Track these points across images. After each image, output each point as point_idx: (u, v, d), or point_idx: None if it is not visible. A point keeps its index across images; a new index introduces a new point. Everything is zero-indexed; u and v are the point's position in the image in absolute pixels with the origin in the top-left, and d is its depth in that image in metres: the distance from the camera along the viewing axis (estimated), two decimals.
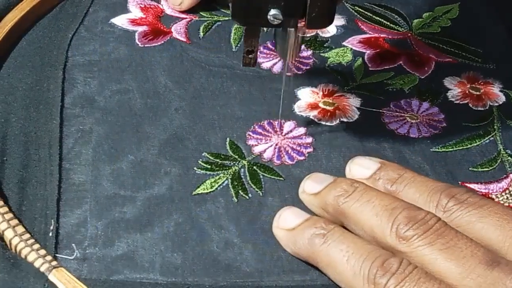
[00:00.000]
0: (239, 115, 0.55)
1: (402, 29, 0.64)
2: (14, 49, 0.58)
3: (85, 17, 0.62)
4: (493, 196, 0.50)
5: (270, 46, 0.61)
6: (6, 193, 0.47)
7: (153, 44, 0.60)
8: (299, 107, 0.56)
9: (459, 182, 0.51)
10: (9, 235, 0.44)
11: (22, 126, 0.52)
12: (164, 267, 0.45)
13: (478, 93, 0.58)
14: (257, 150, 0.52)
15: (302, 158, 0.52)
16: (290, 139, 0.53)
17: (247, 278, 0.44)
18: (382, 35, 0.63)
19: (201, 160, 0.51)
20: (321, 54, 0.61)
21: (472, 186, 0.51)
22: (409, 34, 0.63)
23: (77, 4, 0.63)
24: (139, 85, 0.56)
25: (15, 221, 0.45)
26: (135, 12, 0.63)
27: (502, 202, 0.49)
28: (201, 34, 0.62)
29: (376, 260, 0.41)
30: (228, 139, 0.53)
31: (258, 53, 0.58)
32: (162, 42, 0.61)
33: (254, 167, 0.51)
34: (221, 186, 0.49)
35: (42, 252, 0.44)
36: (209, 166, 0.51)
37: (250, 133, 0.53)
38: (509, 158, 0.53)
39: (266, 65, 0.59)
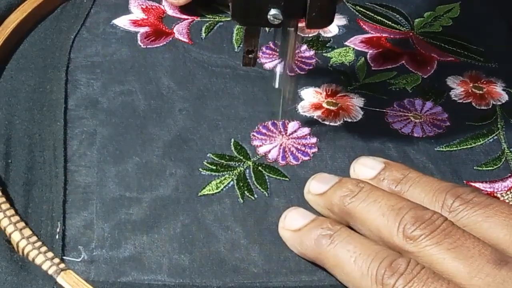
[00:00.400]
0: (243, 116, 0.55)
1: (404, 28, 0.64)
2: (17, 51, 0.58)
3: (87, 19, 0.62)
4: (498, 195, 0.50)
5: (273, 46, 0.61)
6: (12, 195, 0.47)
7: (155, 45, 0.60)
8: (303, 107, 0.56)
9: (464, 181, 0.51)
10: (16, 238, 0.44)
11: (26, 128, 0.52)
12: (171, 269, 0.45)
13: (481, 92, 0.58)
14: (261, 150, 0.52)
15: (307, 158, 0.52)
16: (295, 140, 0.53)
17: (254, 279, 0.44)
18: (384, 35, 0.63)
19: (206, 161, 0.51)
20: (324, 54, 0.61)
21: (477, 185, 0.51)
22: (411, 34, 0.63)
23: (79, 5, 0.63)
24: (142, 86, 0.56)
25: (22, 224, 0.45)
26: (137, 13, 0.63)
27: (507, 200, 0.49)
28: (203, 34, 0.62)
29: (384, 261, 0.41)
30: (232, 140, 0.53)
31: (261, 53, 0.59)
32: (165, 43, 0.60)
33: (259, 168, 0.51)
34: (226, 187, 0.49)
35: (50, 254, 0.43)
36: (214, 167, 0.51)
37: (255, 134, 0.53)
38: None
39: (268, 65, 0.59)
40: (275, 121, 0.54)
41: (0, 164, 0.49)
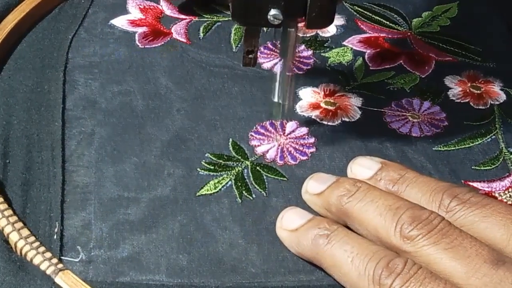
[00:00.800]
0: (241, 116, 0.55)
1: (402, 28, 0.64)
2: (14, 51, 0.58)
3: (85, 19, 0.62)
4: (496, 195, 0.50)
5: (271, 46, 0.61)
6: (10, 195, 0.47)
7: (153, 45, 0.60)
8: (301, 107, 0.56)
9: (462, 181, 0.51)
10: (14, 238, 0.44)
11: (24, 129, 0.52)
12: (169, 269, 0.45)
13: (478, 91, 0.58)
14: (260, 150, 0.52)
15: (305, 158, 0.52)
16: (293, 139, 0.53)
17: (253, 279, 0.44)
18: (382, 35, 0.63)
19: (204, 161, 0.51)
20: (322, 54, 0.61)
21: (475, 184, 0.51)
22: (409, 34, 0.63)
23: (77, 5, 0.63)
24: (140, 87, 0.56)
25: (20, 224, 0.45)
26: (135, 13, 0.63)
27: (505, 200, 0.49)
28: (201, 34, 0.62)
29: (381, 261, 0.41)
30: (230, 140, 0.53)
31: (259, 53, 0.59)
32: (163, 43, 0.60)
33: (257, 168, 0.51)
34: (224, 187, 0.49)
35: (48, 254, 0.43)
36: (212, 167, 0.51)
37: (253, 134, 0.53)
38: (511, 156, 0.53)
39: (267, 65, 0.59)
40: (273, 121, 0.54)
41: None
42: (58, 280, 0.42)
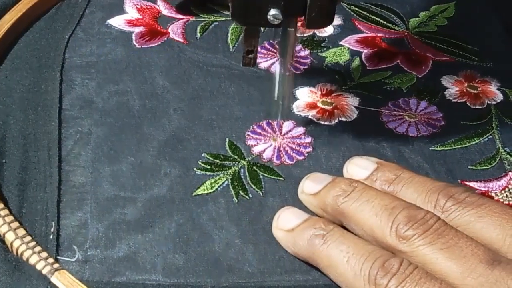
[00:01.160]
0: (238, 115, 0.55)
1: (399, 28, 0.64)
2: (11, 51, 0.58)
3: (82, 18, 0.62)
4: (493, 194, 0.50)
5: (268, 46, 0.61)
6: (6, 195, 0.47)
7: (150, 45, 0.60)
8: (298, 107, 0.56)
9: (459, 181, 0.51)
10: (10, 238, 0.44)
11: (21, 128, 0.52)
12: (166, 268, 0.45)
13: (475, 91, 0.58)
14: (256, 150, 0.52)
15: (301, 158, 0.52)
16: (290, 139, 0.53)
17: (249, 279, 0.44)
18: (379, 34, 0.63)
19: (200, 160, 0.51)
20: (319, 53, 0.61)
21: (471, 184, 0.51)
22: (406, 33, 0.63)
23: (73, 5, 0.63)
24: (137, 86, 0.56)
25: (16, 224, 0.45)
26: (132, 13, 0.63)
27: (501, 200, 0.49)
28: (198, 34, 0.62)
29: (376, 261, 0.41)
30: (227, 140, 0.53)
31: None
32: (159, 42, 0.60)
33: (254, 167, 0.51)
34: (221, 187, 0.49)
35: (44, 254, 0.43)
36: (209, 167, 0.51)
37: (249, 133, 0.53)
38: (508, 156, 0.53)
39: (264, 65, 0.59)
40: (270, 121, 0.54)
41: None
42: (54, 279, 0.42)
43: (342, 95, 0.57)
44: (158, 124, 0.53)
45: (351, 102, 0.56)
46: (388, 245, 0.42)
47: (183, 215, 0.48)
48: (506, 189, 0.50)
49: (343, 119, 0.55)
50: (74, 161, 0.50)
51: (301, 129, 0.54)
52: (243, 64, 0.50)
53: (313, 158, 0.52)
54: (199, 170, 0.50)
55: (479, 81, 0.59)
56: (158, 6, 0.64)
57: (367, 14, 0.65)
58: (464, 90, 0.58)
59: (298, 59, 0.60)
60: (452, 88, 0.58)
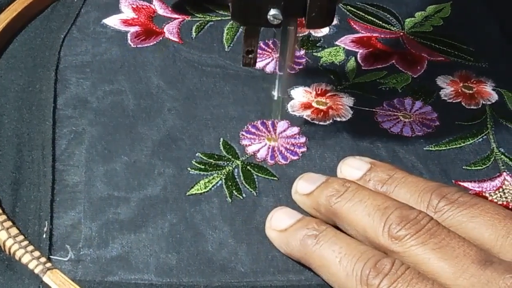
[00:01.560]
0: (233, 115, 0.55)
1: (395, 28, 0.64)
2: (6, 50, 0.58)
3: (77, 18, 0.62)
4: (487, 195, 0.50)
5: (263, 46, 0.61)
6: (0, 194, 0.47)
7: (146, 45, 0.60)
8: (293, 107, 0.56)
9: (453, 181, 0.51)
10: (3, 237, 0.44)
11: (15, 128, 0.52)
12: (159, 268, 0.44)
13: (470, 91, 0.58)
14: (250, 150, 0.52)
15: (295, 157, 0.52)
16: (284, 139, 0.53)
17: (242, 278, 0.44)
18: (374, 35, 0.63)
19: (194, 160, 0.51)
20: (314, 53, 0.61)
21: (465, 184, 0.51)
22: (402, 33, 0.63)
23: (69, 5, 0.63)
24: (132, 86, 0.56)
25: (9, 223, 0.45)
26: (127, 12, 0.63)
27: (495, 200, 0.49)
28: (194, 34, 0.62)
29: (368, 261, 0.41)
30: (221, 139, 0.53)
31: None
32: (155, 42, 0.60)
33: (248, 167, 0.51)
34: (215, 187, 0.49)
35: (36, 253, 0.43)
36: (203, 167, 0.51)
37: (244, 133, 0.53)
38: (502, 156, 0.53)
39: (259, 64, 0.59)
40: (265, 121, 0.54)
41: None
42: (46, 279, 0.42)
43: (337, 95, 0.57)
44: (153, 124, 0.53)
45: (346, 102, 0.56)
46: (381, 245, 0.42)
47: (176, 215, 0.48)
48: (500, 189, 0.50)
49: (338, 119, 0.55)
50: (68, 161, 0.50)
51: (295, 129, 0.54)
52: (243, 64, 0.50)
53: (307, 158, 0.52)
54: (193, 170, 0.50)
55: (474, 81, 0.59)
56: (154, 5, 0.64)
57: (363, 14, 0.65)
58: (459, 90, 0.58)
59: (293, 59, 0.60)
60: (447, 88, 0.58)
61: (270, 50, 0.60)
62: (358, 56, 0.61)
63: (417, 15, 0.65)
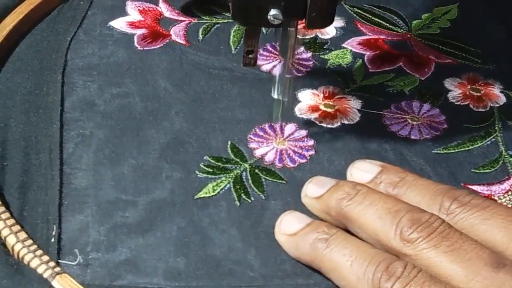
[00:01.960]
0: (240, 118, 0.54)
1: (402, 30, 0.64)
2: (13, 53, 0.58)
3: (84, 20, 0.62)
4: (496, 198, 0.50)
5: (270, 48, 0.60)
6: (7, 198, 0.47)
7: (152, 47, 0.60)
8: (300, 110, 0.55)
9: (461, 184, 0.51)
10: (12, 241, 0.44)
11: (22, 131, 0.52)
12: (167, 272, 0.44)
13: (478, 94, 0.58)
14: (258, 153, 0.52)
15: (304, 161, 0.52)
16: (292, 142, 0.53)
17: (251, 282, 0.44)
18: (381, 37, 0.63)
19: (202, 163, 0.51)
20: (321, 56, 0.60)
21: (474, 187, 0.51)
22: (409, 35, 0.63)
23: (75, 7, 0.63)
24: (139, 89, 0.56)
25: (17, 227, 0.45)
26: (134, 15, 0.63)
27: (505, 203, 0.49)
28: (200, 36, 0.62)
29: (380, 264, 0.41)
30: (229, 142, 0.52)
31: (258, 55, 0.58)
32: (161, 45, 0.60)
33: (256, 170, 0.51)
34: (223, 190, 0.49)
35: (45, 258, 0.43)
36: (211, 170, 0.50)
37: (252, 136, 0.53)
38: (511, 159, 0.53)
39: (266, 67, 0.59)
40: (272, 124, 0.54)
41: None
42: (55, 283, 0.42)
43: (345, 97, 0.57)
44: (160, 127, 0.53)
45: (353, 104, 0.56)
46: (392, 248, 0.42)
47: (184, 218, 0.47)
48: (509, 192, 0.50)
49: (346, 122, 0.55)
50: (75, 164, 0.50)
51: (303, 132, 0.54)
52: (244, 64, 0.50)
53: (315, 161, 0.52)
54: (200, 173, 0.50)
55: (482, 84, 0.59)
56: (160, 8, 0.64)
57: (370, 16, 0.65)
58: (467, 92, 0.58)
59: (301, 61, 0.60)
60: (455, 90, 0.58)
61: (277, 53, 0.60)
62: (365, 58, 0.60)
63: (424, 17, 0.65)
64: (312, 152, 0.52)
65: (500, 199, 0.50)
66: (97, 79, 0.57)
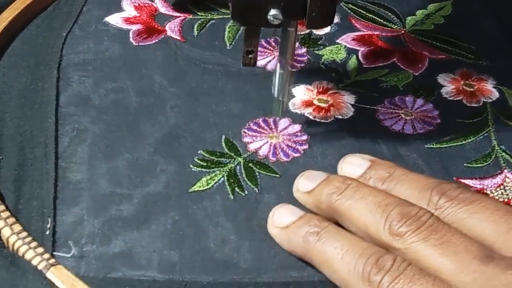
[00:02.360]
0: (234, 113, 0.55)
1: (396, 26, 0.64)
2: (9, 48, 0.58)
3: (79, 16, 0.62)
4: (488, 192, 0.50)
5: (265, 44, 0.61)
6: (3, 191, 0.48)
7: (148, 43, 0.60)
8: (294, 105, 0.56)
9: (454, 178, 0.51)
10: (6, 234, 0.44)
11: (18, 125, 0.52)
12: (161, 264, 0.45)
13: (471, 89, 0.58)
14: (252, 147, 0.52)
15: (297, 155, 0.52)
16: (286, 136, 0.53)
17: (244, 275, 0.45)
18: (375, 33, 0.63)
19: (197, 157, 0.51)
20: (315, 51, 0.61)
21: (467, 181, 0.51)
22: (403, 32, 0.64)
23: (71, 3, 0.63)
24: (134, 84, 0.57)
25: (12, 220, 0.45)
26: (129, 10, 0.63)
27: (497, 197, 0.50)
28: (195, 32, 0.62)
29: (370, 258, 0.41)
30: (223, 137, 0.53)
31: None
32: (157, 40, 0.61)
33: (250, 164, 0.51)
34: (217, 183, 0.50)
35: (40, 250, 0.44)
36: (205, 164, 0.51)
37: (246, 131, 0.53)
38: (503, 153, 0.53)
39: (260, 62, 0.59)
40: (266, 118, 0.54)
41: None
42: (49, 275, 0.42)
43: (339, 92, 0.57)
44: (155, 121, 0.54)
45: (347, 99, 0.56)
46: (382, 242, 0.42)
47: (179, 212, 0.48)
48: (501, 187, 0.51)
49: (339, 117, 0.55)
50: (70, 158, 0.50)
51: (297, 127, 0.54)
52: (243, 64, 0.50)
53: (308, 155, 0.52)
54: (195, 167, 0.51)
55: (475, 79, 0.59)
56: (156, 4, 0.64)
57: (364, 12, 0.65)
58: (460, 88, 0.58)
59: (295, 57, 0.60)
60: (448, 86, 0.58)
61: (271, 48, 0.60)
62: (360, 54, 0.61)
63: (418, 13, 0.65)
64: (305, 147, 0.53)
65: (492, 193, 0.50)
66: (92, 74, 0.57)
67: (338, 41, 0.62)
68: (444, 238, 0.41)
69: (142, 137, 0.52)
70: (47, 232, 0.45)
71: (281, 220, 0.46)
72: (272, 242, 0.46)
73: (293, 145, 0.53)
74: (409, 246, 0.41)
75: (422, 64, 0.60)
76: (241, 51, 0.50)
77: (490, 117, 0.56)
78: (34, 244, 0.44)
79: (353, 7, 0.66)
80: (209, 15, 0.64)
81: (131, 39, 0.60)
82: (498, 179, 0.51)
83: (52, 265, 0.43)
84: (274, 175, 0.51)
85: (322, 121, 0.55)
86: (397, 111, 0.56)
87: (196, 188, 0.49)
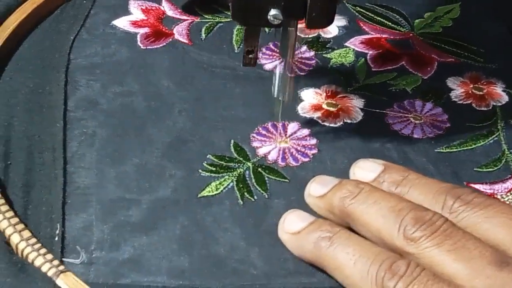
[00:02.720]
0: (243, 117, 0.55)
1: (404, 29, 0.64)
2: (16, 52, 0.58)
3: (86, 20, 0.62)
4: (499, 196, 0.50)
5: (273, 47, 0.61)
6: (11, 197, 0.47)
7: (155, 46, 0.60)
8: (303, 109, 0.55)
9: (464, 183, 0.51)
10: (16, 240, 0.44)
11: (26, 130, 0.52)
12: (170, 270, 0.44)
13: (481, 93, 0.58)
14: (261, 152, 0.52)
15: (306, 159, 0.52)
16: (295, 141, 0.53)
17: (254, 281, 0.44)
18: (384, 36, 0.63)
19: (205, 162, 0.51)
20: (324, 55, 0.61)
21: (477, 186, 0.51)
22: (411, 34, 0.63)
23: (78, 6, 0.63)
24: (141, 88, 0.56)
25: (21, 226, 0.45)
26: (137, 14, 0.63)
27: (508, 202, 0.49)
28: (203, 35, 0.62)
29: (383, 263, 0.41)
30: (232, 141, 0.53)
31: (261, 54, 0.59)
32: (164, 44, 0.60)
33: (259, 169, 0.51)
34: (226, 189, 0.49)
35: (49, 256, 0.43)
36: (214, 168, 0.50)
37: (254, 135, 0.53)
38: None
39: (268, 66, 0.59)
40: (275, 123, 0.54)
41: None
42: (59, 281, 0.42)
43: (347, 96, 0.57)
44: (163, 126, 0.53)
45: (356, 103, 0.56)
46: (395, 247, 0.42)
47: (187, 217, 0.47)
48: None
49: (348, 121, 0.55)
50: (78, 163, 0.50)
51: (306, 131, 0.54)
52: (244, 64, 0.50)
53: (318, 160, 0.52)
54: (204, 172, 0.50)
55: (485, 83, 0.59)
56: (163, 7, 0.64)
57: (372, 15, 0.65)
58: (470, 91, 0.58)
59: (303, 61, 0.60)
60: (457, 89, 0.58)
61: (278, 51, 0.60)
62: (368, 57, 0.60)
63: (426, 16, 0.65)
64: (315, 151, 0.52)
65: (503, 197, 0.50)
66: (100, 78, 0.57)
67: (346, 44, 0.62)
68: (459, 243, 0.41)
69: (150, 142, 0.52)
70: (56, 238, 0.45)
71: (292, 226, 0.45)
72: (281, 248, 0.46)
73: (302, 150, 0.52)
74: (423, 251, 0.41)
75: (431, 68, 0.60)
76: None
77: (500, 121, 0.56)
78: (43, 250, 0.44)
79: (361, 10, 0.65)
80: (217, 18, 0.63)
81: (138, 43, 0.60)
82: (509, 184, 0.51)
83: (61, 271, 0.43)
84: (283, 180, 0.50)
85: (331, 125, 0.54)
86: (406, 115, 0.56)
87: (205, 193, 0.49)
